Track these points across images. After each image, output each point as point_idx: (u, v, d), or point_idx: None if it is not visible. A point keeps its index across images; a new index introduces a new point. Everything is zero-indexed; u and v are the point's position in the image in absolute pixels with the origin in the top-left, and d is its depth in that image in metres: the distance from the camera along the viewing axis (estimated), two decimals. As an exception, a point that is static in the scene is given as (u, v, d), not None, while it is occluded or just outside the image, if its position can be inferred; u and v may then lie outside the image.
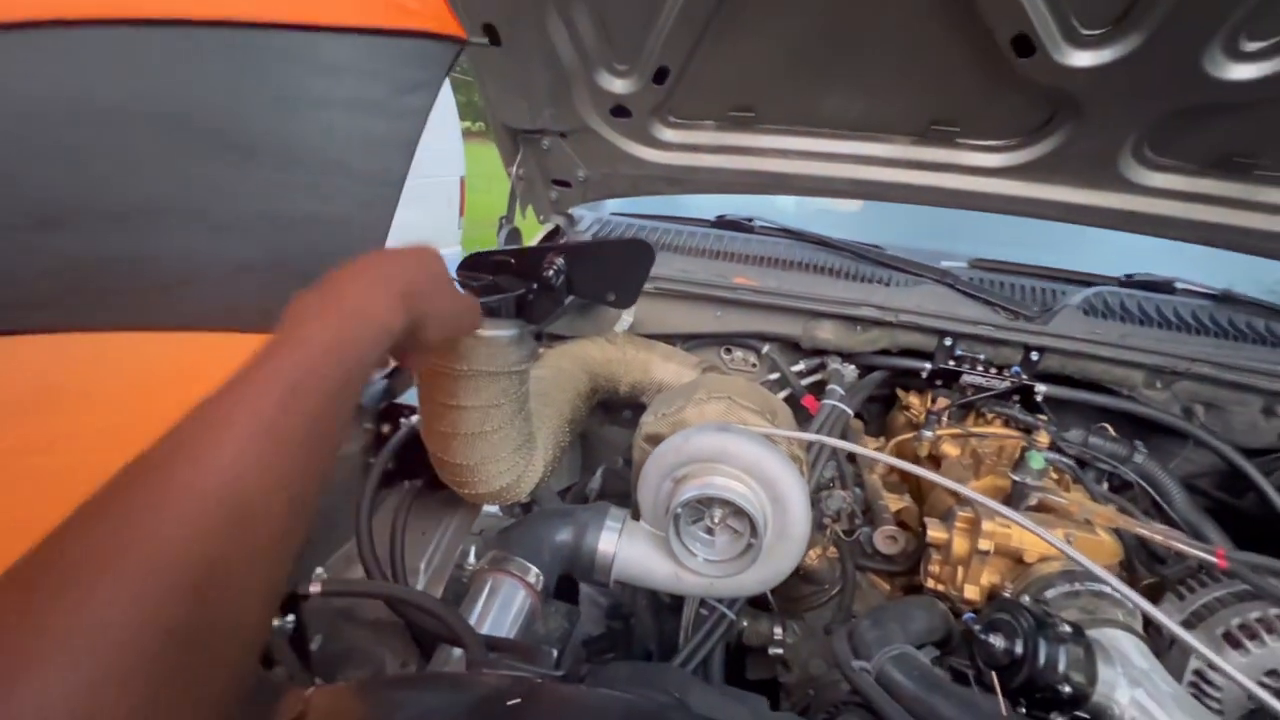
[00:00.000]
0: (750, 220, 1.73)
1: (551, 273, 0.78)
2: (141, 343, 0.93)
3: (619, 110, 1.40)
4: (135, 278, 0.87)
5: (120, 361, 0.94)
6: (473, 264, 0.82)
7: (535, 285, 0.78)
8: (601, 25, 1.23)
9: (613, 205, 1.93)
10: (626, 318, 1.59)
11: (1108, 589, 0.86)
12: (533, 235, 1.83)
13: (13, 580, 0.29)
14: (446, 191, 4.66)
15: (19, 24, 0.61)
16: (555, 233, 1.82)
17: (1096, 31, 1.04)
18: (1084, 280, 1.52)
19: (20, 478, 0.90)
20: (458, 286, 0.80)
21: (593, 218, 1.87)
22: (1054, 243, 1.67)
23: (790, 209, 2.06)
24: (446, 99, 4.48)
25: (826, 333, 1.48)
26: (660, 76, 1.29)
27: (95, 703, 0.26)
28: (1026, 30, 1.03)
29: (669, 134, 1.46)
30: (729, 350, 1.64)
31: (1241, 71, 1.02)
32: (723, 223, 1.75)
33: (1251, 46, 0.99)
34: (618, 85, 1.34)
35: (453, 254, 3.93)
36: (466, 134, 5.28)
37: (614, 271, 0.91)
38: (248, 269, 0.92)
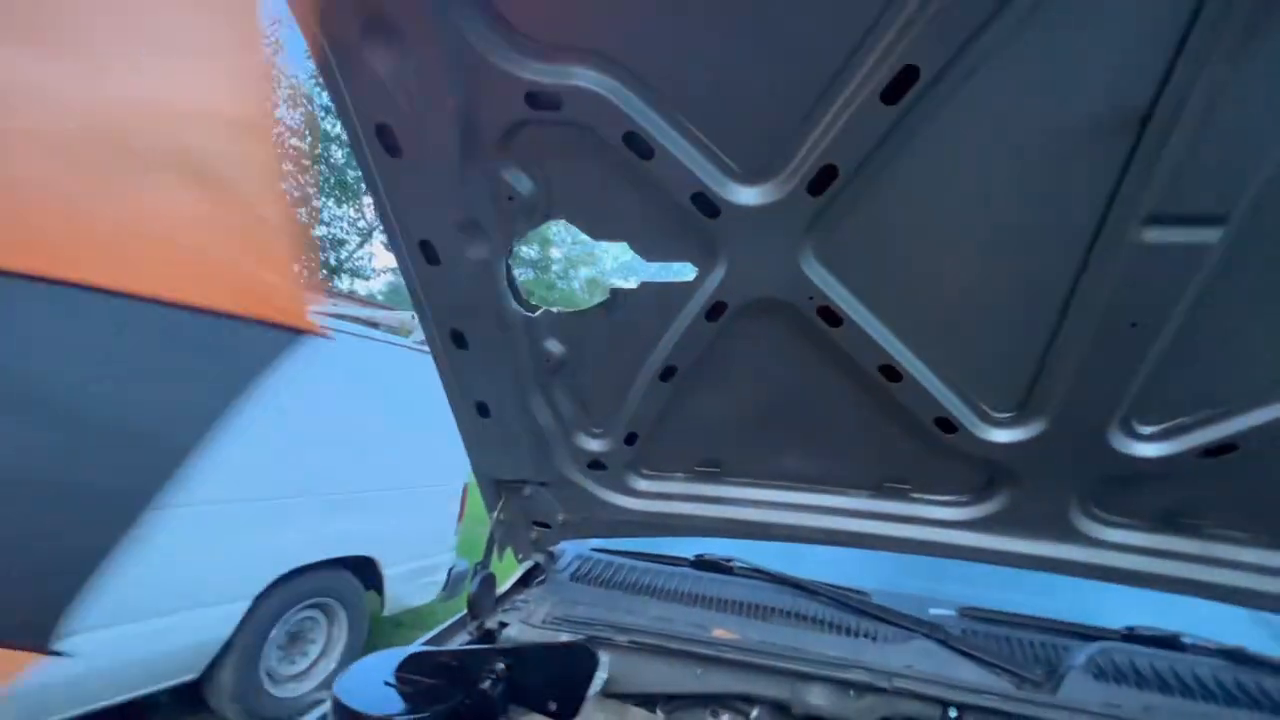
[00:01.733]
0: (729, 561, 1.72)
1: (488, 683, 0.75)
2: None
3: (595, 464, 1.52)
4: None
5: None
6: (414, 665, 0.79)
7: (471, 695, 0.75)
8: (578, 401, 1.42)
9: (595, 540, 1.95)
10: (600, 674, 1.46)
11: None
12: (510, 571, 1.81)
13: None
14: (448, 498, 4.76)
15: None
16: (535, 570, 1.80)
17: (1006, 415, 1.18)
18: (1082, 634, 1.43)
19: None
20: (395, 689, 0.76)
21: (574, 553, 1.87)
22: (1039, 582, 1.62)
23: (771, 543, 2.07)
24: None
25: (818, 698, 1.34)
26: (631, 439, 1.44)
27: None
28: (944, 415, 1.17)
29: (643, 484, 1.55)
30: (715, 714, 1.47)
31: (1149, 449, 1.12)
32: (701, 563, 1.74)
33: (1147, 430, 1.12)
34: (593, 445, 1.48)
35: (446, 560, 3.76)
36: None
37: (556, 679, 0.88)
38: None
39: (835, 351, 1.15)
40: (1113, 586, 1.32)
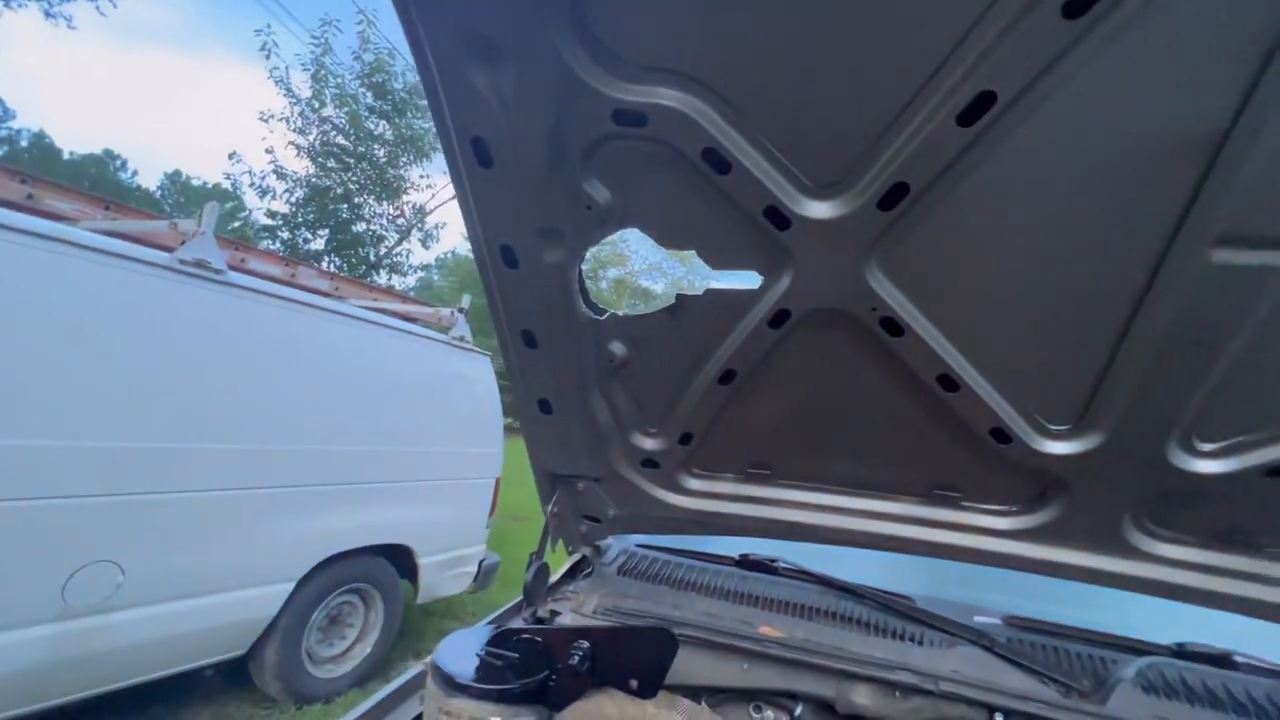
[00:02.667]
0: (774, 561, 1.76)
1: (576, 659, 0.81)
2: None
3: (648, 462, 1.57)
4: None
5: None
6: (501, 640, 0.85)
7: (558, 670, 0.80)
8: (636, 401, 1.47)
9: (639, 537, 2.00)
10: (649, 664, 1.51)
11: None
12: (561, 562, 1.88)
13: None
14: (481, 492, 4.87)
15: None
16: (582, 563, 1.86)
17: (1063, 427, 1.20)
18: (1130, 647, 1.44)
19: None
20: (487, 661, 0.83)
21: (619, 548, 1.92)
22: (1085, 595, 1.62)
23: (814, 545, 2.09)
24: (496, 405, 4.94)
25: (863, 697, 1.37)
26: (685, 439, 1.49)
27: None
28: (1000, 425, 1.20)
29: (694, 483, 1.60)
30: (759, 709, 1.51)
31: (1209, 466, 1.13)
32: (746, 563, 1.78)
33: (1207, 447, 1.13)
34: (648, 444, 1.53)
35: (477, 553, 3.85)
36: (508, 430, 5.64)
37: (638, 659, 0.93)
38: None
39: (894, 360, 1.18)
40: (1159, 601, 1.32)
